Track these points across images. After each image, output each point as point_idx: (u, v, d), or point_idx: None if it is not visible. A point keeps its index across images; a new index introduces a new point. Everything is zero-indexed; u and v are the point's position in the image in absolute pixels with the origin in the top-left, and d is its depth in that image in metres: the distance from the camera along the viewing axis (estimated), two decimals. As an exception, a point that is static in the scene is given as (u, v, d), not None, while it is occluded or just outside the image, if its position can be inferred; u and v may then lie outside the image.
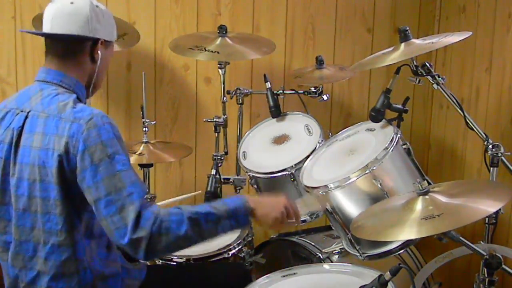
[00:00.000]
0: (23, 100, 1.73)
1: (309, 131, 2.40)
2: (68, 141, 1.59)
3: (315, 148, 2.25)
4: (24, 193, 1.66)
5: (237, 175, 2.75)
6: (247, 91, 2.77)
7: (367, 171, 1.88)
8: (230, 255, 2.25)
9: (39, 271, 1.67)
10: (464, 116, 2.04)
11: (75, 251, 1.66)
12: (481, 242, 2.02)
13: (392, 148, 1.92)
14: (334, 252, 2.38)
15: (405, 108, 2.10)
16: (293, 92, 2.74)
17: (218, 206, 1.66)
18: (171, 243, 1.57)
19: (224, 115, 2.74)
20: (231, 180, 2.70)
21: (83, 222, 1.67)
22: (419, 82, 2.09)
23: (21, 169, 1.66)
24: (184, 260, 2.21)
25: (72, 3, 1.72)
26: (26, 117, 1.68)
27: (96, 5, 1.75)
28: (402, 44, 2.07)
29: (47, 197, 1.63)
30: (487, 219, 2.01)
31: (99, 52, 1.76)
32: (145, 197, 1.60)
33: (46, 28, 1.74)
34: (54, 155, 1.60)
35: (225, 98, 2.75)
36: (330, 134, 2.36)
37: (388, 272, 1.59)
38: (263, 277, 1.97)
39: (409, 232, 1.57)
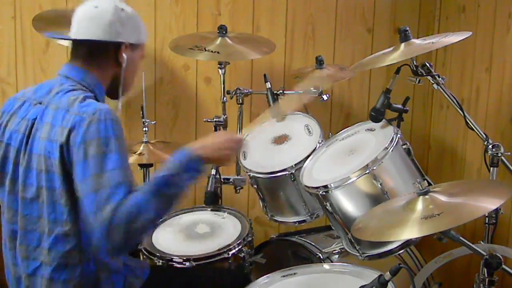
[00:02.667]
0: (42, 92, 1.75)
1: (309, 131, 2.39)
2: (69, 133, 1.60)
3: (315, 148, 2.25)
4: (33, 183, 1.67)
5: (237, 175, 2.75)
6: (247, 91, 2.76)
7: (367, 171, 1.88)
8: (230, 255, 2.24)
9: (42, 262, 1.68)
10: (464, 116, 2.04)
11: (80, 241, 1.67)
12: (481, 242, 2.02)
13: (392, 148, 1.92)
14: (334, 252, 2.38)
15: (405, 108, 2.10)
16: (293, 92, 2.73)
17: (169, 167, 1.64)
18: (146, 223, 1.55)
19: (224, 115, 2.74)
20: (231, 180, 2.70)
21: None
22: (419, 82, 2.09)
23: (30, 159, 1.68)
24: (184, 260, 2.20)
25: (96, 7, 1.75)
26: (42, 109, 1.70)
27: (121, 8, 1.77)
28: (402, 44, 2.07)
29: (53, 187, 1.64)
30: (487, 219, 2.01)
31: (124, 55, 1.77)
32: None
33: (73, 31, 1.77)
34: (57, 146, 1.61)
35: (225, 98, 2.75)
36: (330, 134, 2.36)
37: (388, 272, 1.59)
38: (263, 277, 1.97)
39: (410, 231, 1.57)
